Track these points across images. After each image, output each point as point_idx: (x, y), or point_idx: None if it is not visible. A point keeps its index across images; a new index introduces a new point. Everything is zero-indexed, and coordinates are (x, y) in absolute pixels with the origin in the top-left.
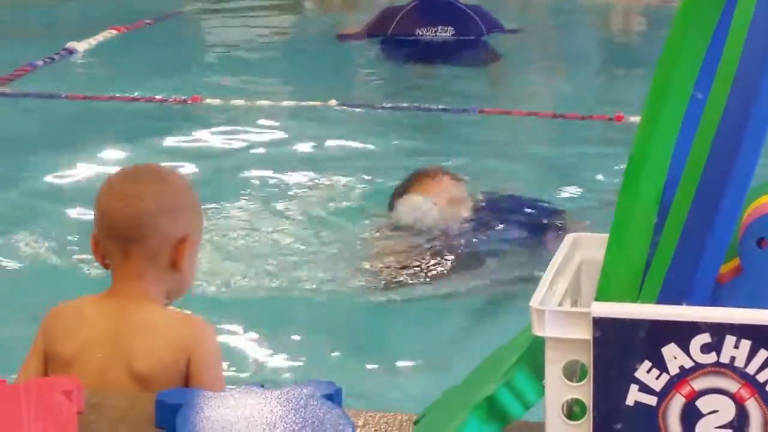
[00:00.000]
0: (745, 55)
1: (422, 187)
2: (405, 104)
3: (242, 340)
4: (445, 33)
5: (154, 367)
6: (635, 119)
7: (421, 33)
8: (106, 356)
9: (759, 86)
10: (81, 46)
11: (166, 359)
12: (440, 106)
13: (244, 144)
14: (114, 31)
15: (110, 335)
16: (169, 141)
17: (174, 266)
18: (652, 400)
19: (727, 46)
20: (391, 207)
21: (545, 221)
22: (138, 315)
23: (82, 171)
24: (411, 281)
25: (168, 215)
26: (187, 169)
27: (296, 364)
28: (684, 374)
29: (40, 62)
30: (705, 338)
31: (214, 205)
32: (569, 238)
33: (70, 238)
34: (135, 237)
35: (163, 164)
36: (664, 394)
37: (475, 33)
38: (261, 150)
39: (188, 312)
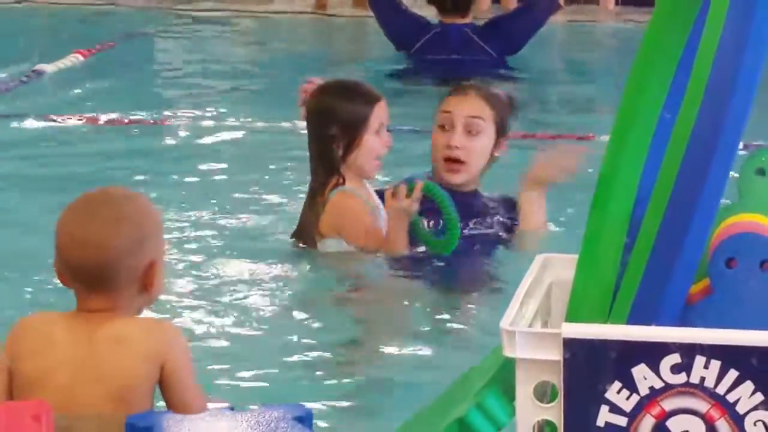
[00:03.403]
0: (713, 76)
1: None
2: None
3: (211, 362)
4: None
5: (130, 382)
6: (604, 138)
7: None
8: (77, 375)
9: (727, 107)
10: (50, 68)
11: (141, 371)
12: (409, 127)
13: (213, 166)
14: (79, 55)
15: (82, 354)
16: (138, 163)
17: (144, 290)
18: (622, 421)
19: (695, 67)
20: None
21: (504, 240)
22: (109, 331)
23: (50, 194)
24: (377, 303)
25: (133, 253)
26: (156, 191)
27: (266, 386)
28: (654, 395)
29: (10, 84)
30: (675, 359)
31: (182, 228)
32: (539, 258)
33: (36, 261)
34: (101, 281)
35: (119, 187)
36: (634, 415)
37: (484, 56)
38: (230, 172)
39: (156, 317)
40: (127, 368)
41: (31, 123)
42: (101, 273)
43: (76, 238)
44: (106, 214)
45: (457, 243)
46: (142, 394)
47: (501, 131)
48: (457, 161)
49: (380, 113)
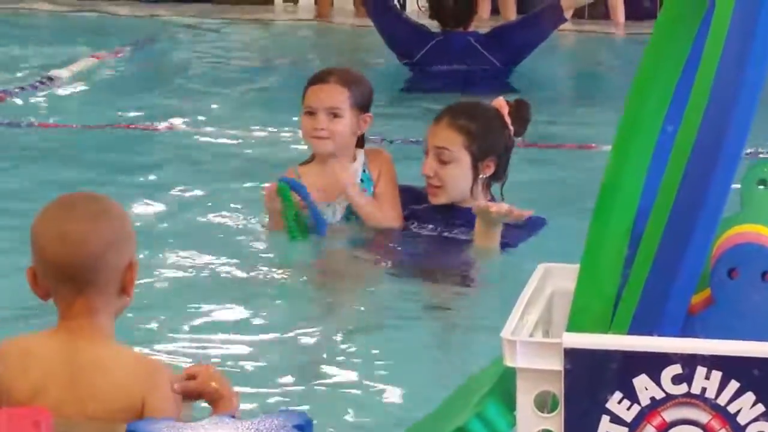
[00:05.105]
0: (715, 88)
1: None
2: (373, 137)
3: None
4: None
5: (108, 409)
6: (606, 149)
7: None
8: (60, 396)
9: (730, 118)
10: (63, 73)
11: (121, 402)
12: (408, 137)
13: (216, 172)
14: (93, 59)
15: (64, 375)
16: (139, 168)
17: (124, 292)
18: (623, 431)
19: (698, 79)
20: None
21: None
22: (91, 354)
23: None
24: (375, 308)
25: (113, 251)
26: (158, 195)
27: (267, 394)
28: (655, 405)
29: (17, 90)
30: (676, 369)
31: (180, 232)
32: (540, 268)
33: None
34: (84, 280)
35: (88, 190)
36: (635, 425)
37: (487, 65)
38: (232, 178)
39: (142, 354)
40: (106, 397)
41: (39, 128)
42: (83, 269)
43: (57, 236)
44: (85, 211)
45: (298, 238)
46: (125, 420)
47: (480, 156)
48: (433, 186)
49: (310, 97)
